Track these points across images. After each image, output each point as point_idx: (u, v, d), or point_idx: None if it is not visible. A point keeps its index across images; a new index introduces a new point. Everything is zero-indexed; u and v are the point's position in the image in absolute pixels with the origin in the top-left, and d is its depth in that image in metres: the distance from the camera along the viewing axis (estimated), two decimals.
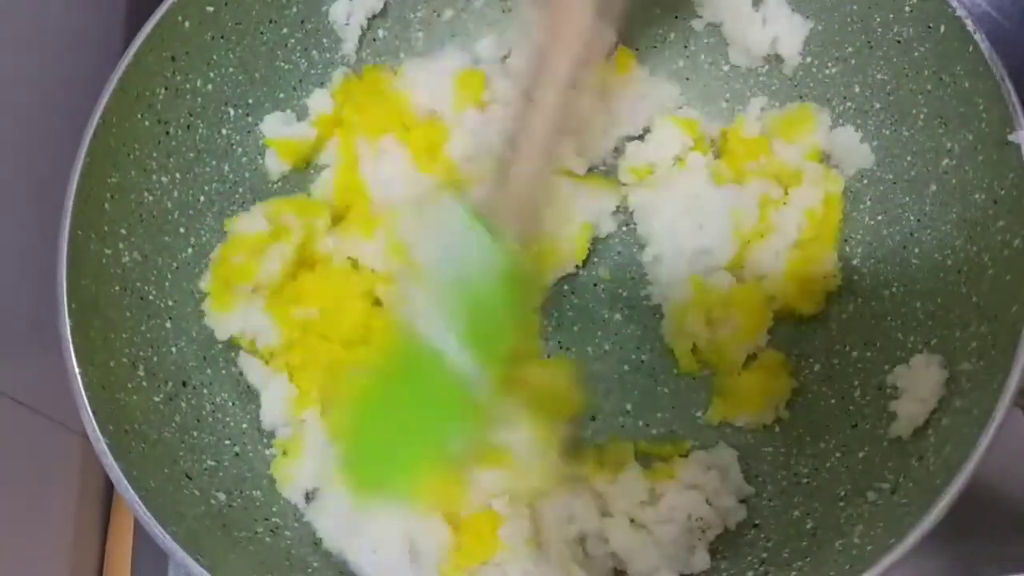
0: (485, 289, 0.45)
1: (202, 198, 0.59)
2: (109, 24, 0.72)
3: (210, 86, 0.58)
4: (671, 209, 0.61)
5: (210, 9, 0.56)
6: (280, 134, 0.61)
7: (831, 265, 0.58)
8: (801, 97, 0.60)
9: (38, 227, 0.55)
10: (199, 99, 0.58)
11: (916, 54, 0.52)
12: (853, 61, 0.57)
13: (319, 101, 0.62)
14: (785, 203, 0.59)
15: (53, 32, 0.63)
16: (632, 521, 0.53)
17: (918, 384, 0.49)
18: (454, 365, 0.44)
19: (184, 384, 0.55)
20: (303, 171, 0.64)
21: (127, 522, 0.63)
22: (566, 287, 0.63)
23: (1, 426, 0.53)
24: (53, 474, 0.60)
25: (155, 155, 0.55)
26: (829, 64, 0.58)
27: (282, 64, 0.61)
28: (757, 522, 0.53)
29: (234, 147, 0.60)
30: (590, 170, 0.64)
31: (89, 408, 0.47)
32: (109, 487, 0.64)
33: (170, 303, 0.56)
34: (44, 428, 0.58)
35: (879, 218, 0.56)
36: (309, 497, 0.55)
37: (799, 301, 0.58)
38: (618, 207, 0.63)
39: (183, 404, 0.54)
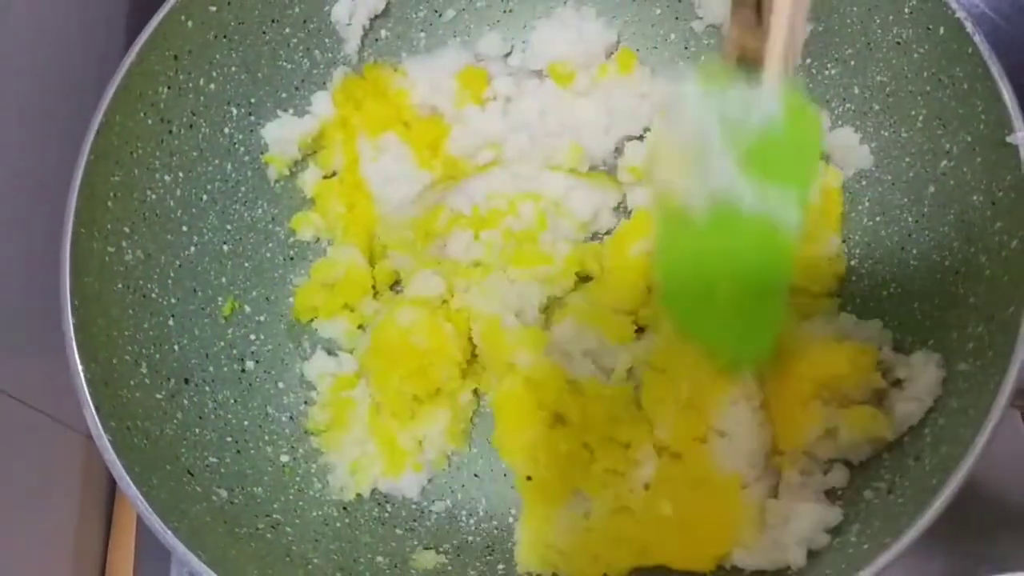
0: (764, 133, 0.47)
1: (204, 197, 0.59)
2: (112, 23, 0.72)
3: (212, 85, 0.58)
4: None
5: (212, 9, 0.56)
6: (280, 145, 0.62)
7: (835, 248, 0.58)
8: None
9: (41, 225, 0.55)
10: (202, 98, 0.58)
11: (915, 55, 0.53)
12: (852, 62, 0.57)
13: (321, 105, 0.63)
14: None
15: (56, 31, 0.64)
16: None
17: (915, 383, 0.49)
18: (757, 213, 0.47)
19: (186, 381, 0.55)
20: (305, 171, 0.64)
21: (130, 519, 0.63)
22: None
23: (4, 425, 0.54)
24: (56, 472, 0.60)
25: (158, 154, 0.56)
26: (828, 65, 0.58)
27: (284, 64, 0.62)
28: None
29: (236, 146, 0.61)
30: (591, 169, 0.64)
31: (92, 405, 0.47)
32: (112, 484, 0.65)
33: (173, 301, 0.56)
34: (47, 427, 0.58)
35: (877, 219, 0.56)
36: None
37: (807, 282, 0.58)
38: (618, 204, 0.64)
39: (185, 401, 0.54)
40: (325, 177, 0.64)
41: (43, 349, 0.54)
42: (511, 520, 0.57)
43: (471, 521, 0.58)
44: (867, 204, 0.57)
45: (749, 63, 0.47)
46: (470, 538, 0.57)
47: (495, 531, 0.57)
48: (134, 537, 0.62)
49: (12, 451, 0.54)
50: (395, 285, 0.64)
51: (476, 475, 0.60)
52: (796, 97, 0.47)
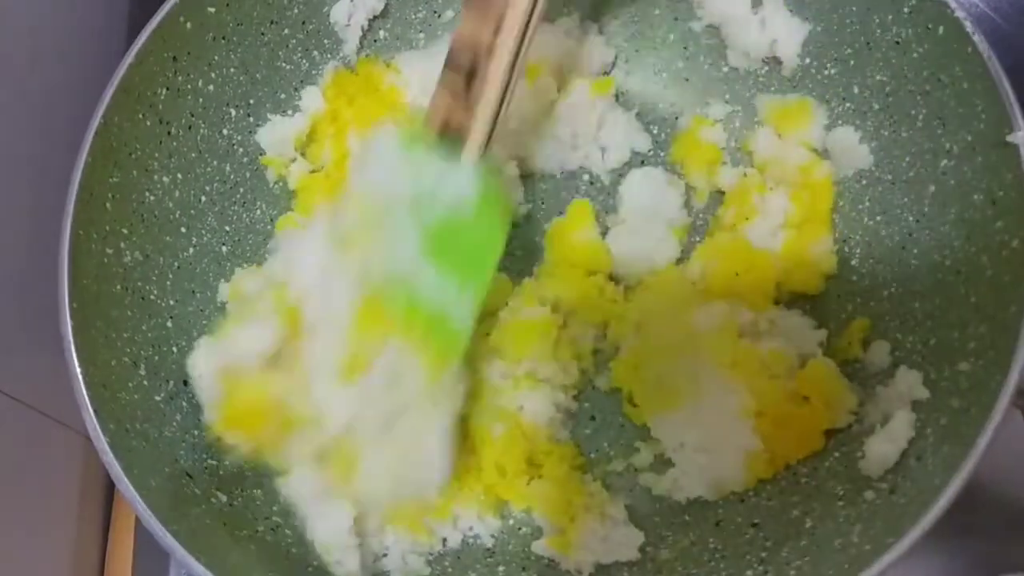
0: (451, 214, 0.45)
1: (203, 198, 0.59)
2: (111, 25, 0.72)
3: (211, 87, 0.58)
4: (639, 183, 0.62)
5: (211, 10, 0.56)
6: (276, 147, 0.62)
7: (826, 247, 0.58)
8: None
9: (40, 227, 0.55)
10: (200, 100, 0.58)
11: (915, 55, 0.53)
12: (852, 62, 0.57)
13: (310, 99, 0.63)
14: (771, 189, 0.60)
15: (55, 33, 0.64)
16: None
17: (890, 425, 0.49)
18: (431, 295, 0.45)
19: (185, 383, 0.55)
20: (293, 164, 0.64)
21: (129, 521, 0.63)
22: None
23: (3, 425, 0.54)
24: (55, 473, 0.60)
25: (156, 155, 0.56)
26: (828, 65, 0.58)
27: (283, 65, 0.62)
28: (756, 521, 0.53)
29: (235, 147, 0.61)
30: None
31: (90, 407, 0.47)
32: (111, 486, 0.65)
33: (171, 302, 0.56)
34: (46, 427, 0.58)
35: (878, 218, 0.56)
36: None
37: (796, 281, 0.58)
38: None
39: (184, 403, 0.54)
40: (313, 171, 0.64)
41: (42, 349, 0.54)
42: (511, 522, 0.57)
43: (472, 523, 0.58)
44: (867, 204, 0.57)
45: (451, 136, 0.45)
46: (471, 540, 0.57)
47: (495, 532, 0.57)
48: (133, 539, 0.62)
49: (11, 451, 0.54)
50: None
51: None
52: (491, 181, 0.45)
